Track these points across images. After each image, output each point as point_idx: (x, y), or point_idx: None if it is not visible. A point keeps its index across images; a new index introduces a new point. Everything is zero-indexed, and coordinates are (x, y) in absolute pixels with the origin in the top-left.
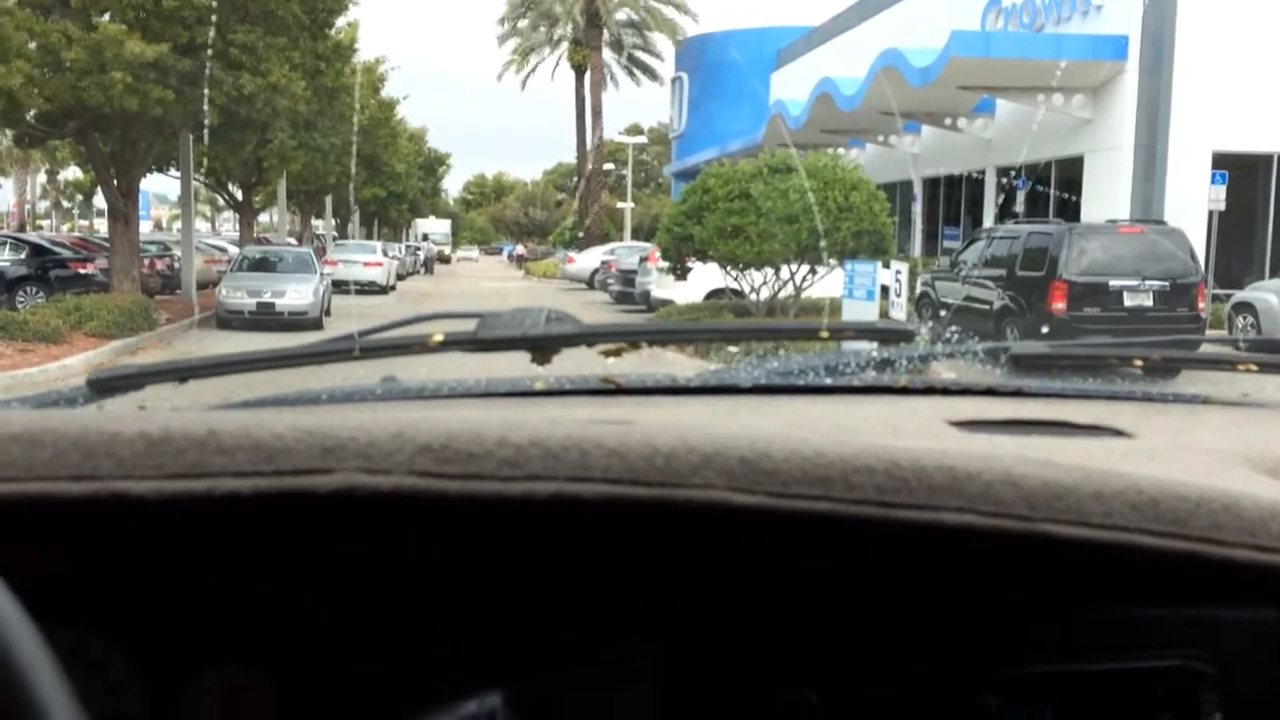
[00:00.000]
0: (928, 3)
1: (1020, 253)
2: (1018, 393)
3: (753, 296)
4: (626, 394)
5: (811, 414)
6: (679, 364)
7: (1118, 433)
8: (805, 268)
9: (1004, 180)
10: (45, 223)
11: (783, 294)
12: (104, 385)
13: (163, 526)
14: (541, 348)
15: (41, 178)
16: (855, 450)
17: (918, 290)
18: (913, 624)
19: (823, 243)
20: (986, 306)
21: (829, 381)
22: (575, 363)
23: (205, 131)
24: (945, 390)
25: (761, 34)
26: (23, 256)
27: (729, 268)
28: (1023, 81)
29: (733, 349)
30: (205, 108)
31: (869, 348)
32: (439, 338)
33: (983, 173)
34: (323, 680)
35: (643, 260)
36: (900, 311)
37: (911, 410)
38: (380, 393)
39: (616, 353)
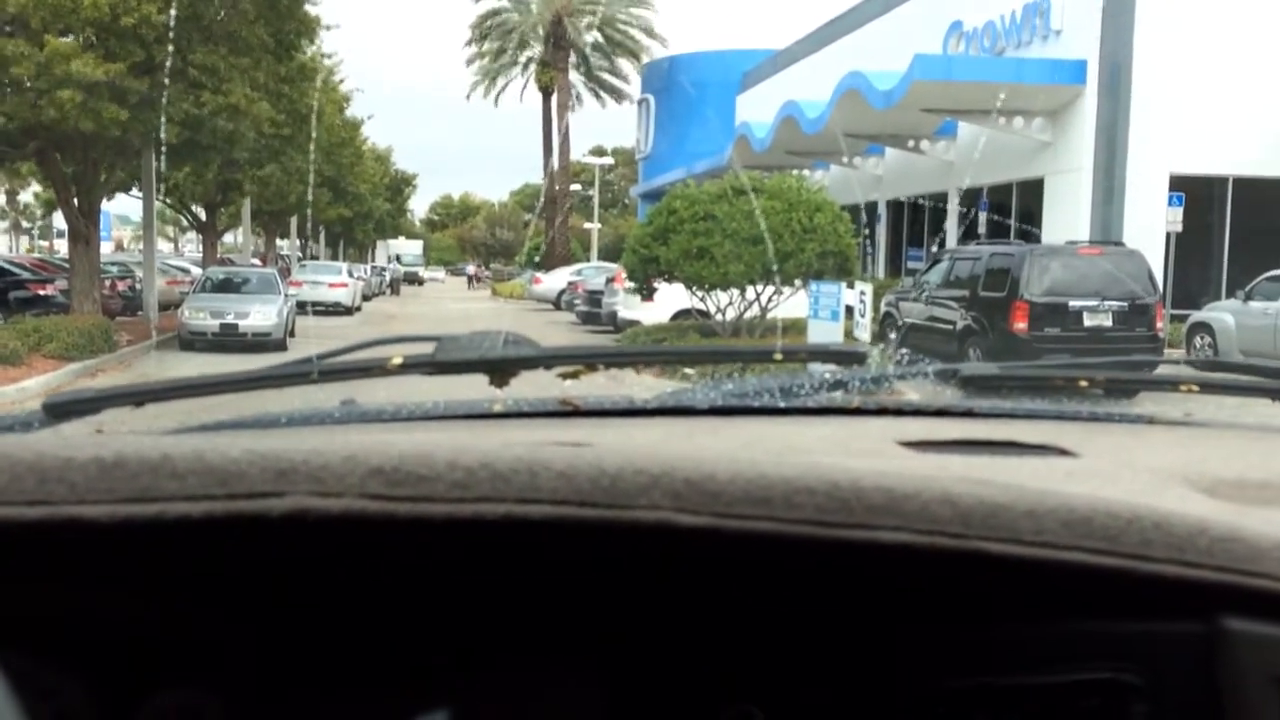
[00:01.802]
0: (890, 27)
1: (982, 273)
2: (968, 413)
3: (719, 317)
4: (584, 416)
5: (766, 435)
6: (639, 385)
7: (1063, 452)
8: (770, 289)
9: (964, 204)
10: (2, 241)
11: (748, 314)
12: (60, 409)
13: (115, 552)
14: (500, 370)
15: (0, 197)
16: (798, 472)
17: (882, 311)
18: (852, 639)
19: (788, 264)
20: (949, 326)
21: (783, 403)
22: (535, 385)
23: (165, 152)
24: (898, 411)
25: (727, 57)
26: None
27: (695, 289)
28: (984, 105)
29: (690, 371)
30: (163, 128)
31: (825, 369)
32: (398, 361)
33: (945, 195)
34: (274, 702)
35: (609, 281)
36: (865, 332)
37: (863, 431)
38: (339, 416)
39: (574, 375)
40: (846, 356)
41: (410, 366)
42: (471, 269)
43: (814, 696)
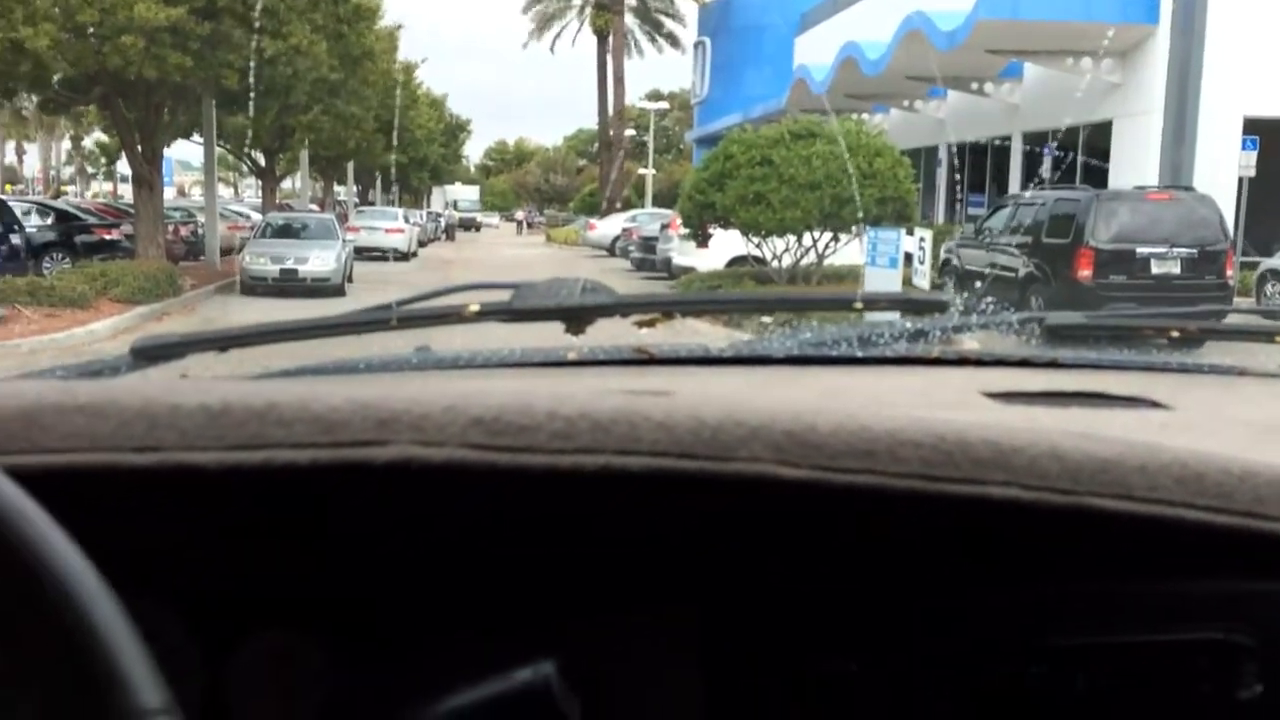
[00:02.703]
0: None
1: (1046, 220)
2: (1052, 364)
3: (774, 264)
4: (660, 364)
5: (845, 385)
6: (711, 334)
7: (1154, 404)
8: (828, 235)
9: (1031, 146)
10: (70, 188)
11: (804, 261)
12: (147, 354)
13: (220, 497)
14: (576, 318)
15: (66, 143)
16: (900, 424)
17: (941, 257)
18: (953, 596)
19: (846, 210)
20: (1011, 274)
21: (861, 353)
22: (609, 333)
23: (225, 97)
24: (978, 361)
25: None
26: (49, 222)
27: (751, 235)
28: (1051, 45)
29: (767, 320)
30: (226, 72)
31: (900, 319)
32: (475, 308)
33: (1009, 138)
34: (374, 650)
35: (664, 227)
36: (924, 279)
37: (945, 381)
38: (416, 363)
39: (650, 323)
40: (928, 306)
41: (487, 313)
42: (521, 214)
43: (913, 653)
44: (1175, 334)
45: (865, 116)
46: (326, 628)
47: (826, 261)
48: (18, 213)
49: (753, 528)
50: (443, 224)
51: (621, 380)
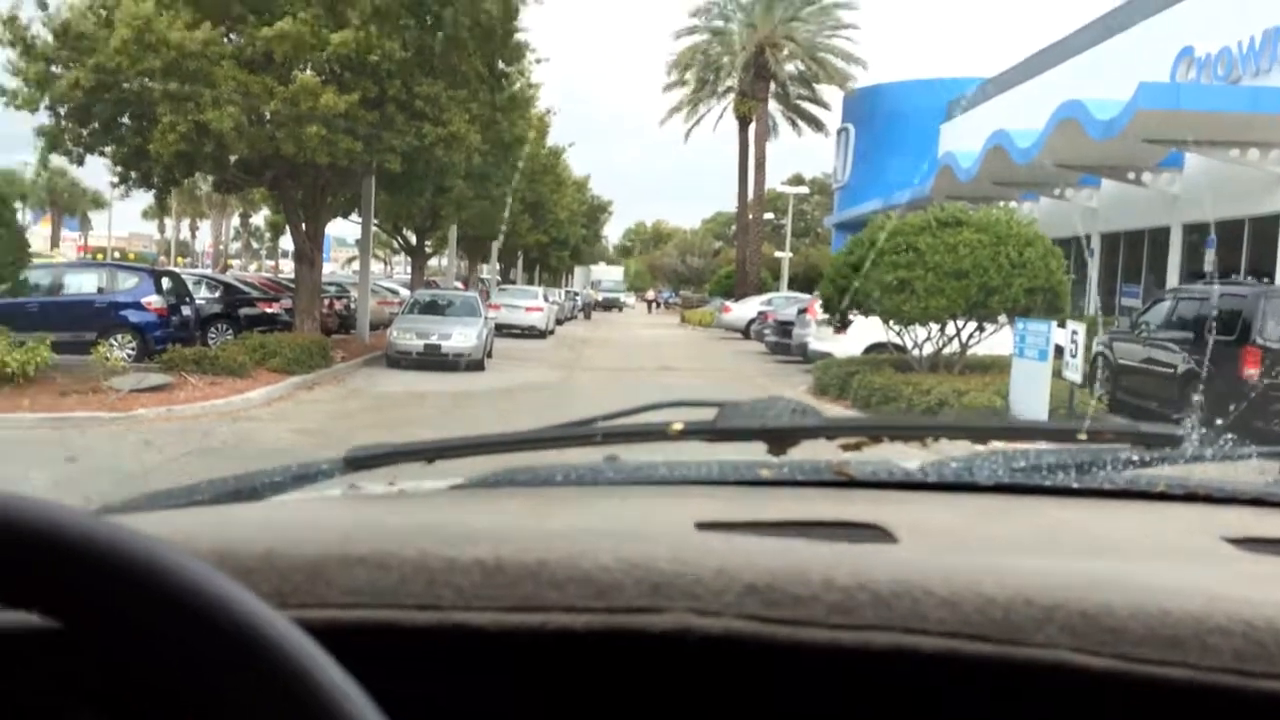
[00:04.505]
0: (1110, 54)
1: (1209, 315)
2: None
3: (915, 352)
4: (860, 487)
5: (1064, 521)
6: (909, 452)
7: None
8: (972, 324)
9: (1192, 238)
10: (236, 262)
11: (947, 350)
12: (359, 462)
13: (491, 655)
14: (780, 439)
15: (235, 220)
16: (1204, 608)
17: (1094, 351)
18: None
19: (993, 300)
20: (1170, 370)
21: (1077, 484)
22: (806, 448)
23: (384, 180)
24: (1208, 497)
25: (932, 85)
26: (216, 295)
27: (892, 322)
28: (1215, 135)
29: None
30: (389, 157)
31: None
32: (679, 427)
33: (1167, 229)
34: None
35: (801, 311)
36: (1075, 374)
37: (1176, 522)
38: (613, 476)
39: (856, 447)
40: (1161, 439)
41: (691, 432)
42: (651, 294)
43: None
44: None
45: (1013, 204)
46: None
47: (970, 351)
48: (189, 285)
49: (1031, 715)
50: (579, 303)
51: (821, 504)
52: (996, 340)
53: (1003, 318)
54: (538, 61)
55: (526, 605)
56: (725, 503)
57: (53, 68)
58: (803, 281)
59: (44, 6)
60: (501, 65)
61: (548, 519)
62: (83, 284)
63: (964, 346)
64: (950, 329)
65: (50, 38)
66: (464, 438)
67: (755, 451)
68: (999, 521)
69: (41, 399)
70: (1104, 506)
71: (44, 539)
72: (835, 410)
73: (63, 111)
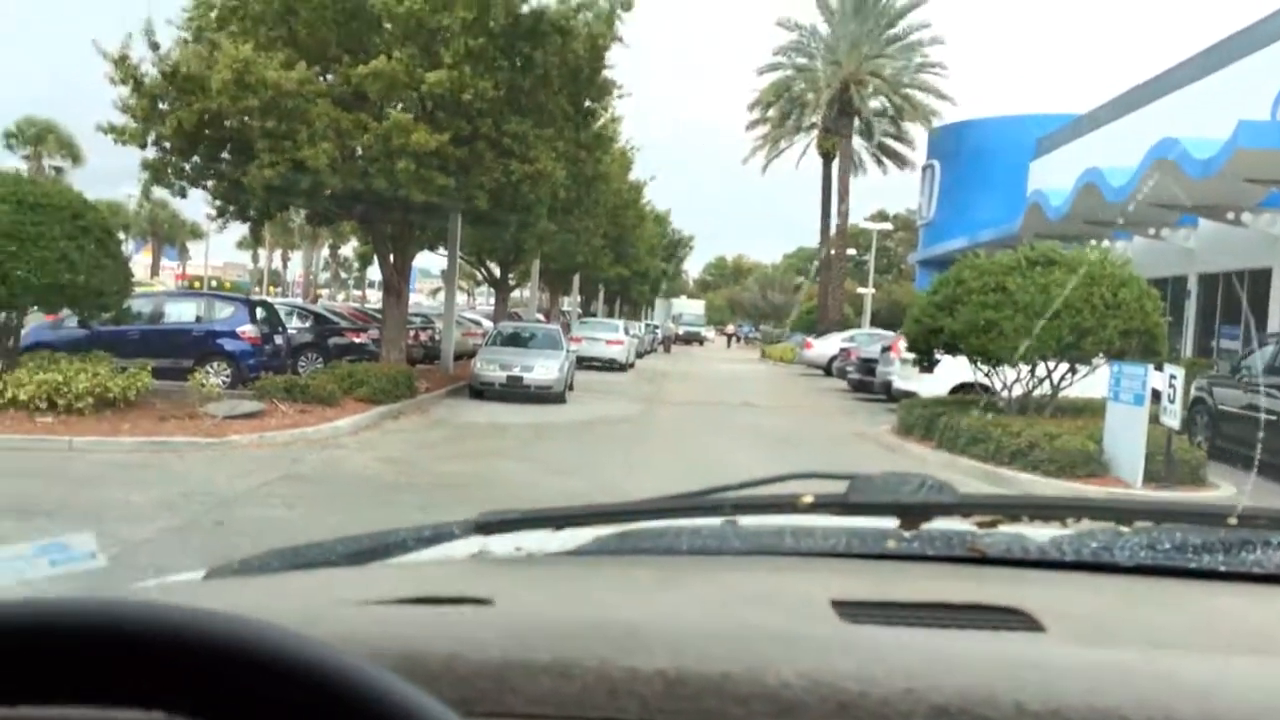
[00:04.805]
0: (1207, 92)
1: None
2: None
3: (1004, 393)
4: (993, 564)
5: (1218, 610)
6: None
7: None
8: (1064, 366)
9: None
10: (324, 291)
11: (1037, 392)
12: (489, 527)
13: None
14: (913, 515)
15: (325, 251)
16: None
17: (1192, 395)
18: None
19: (1086, 342)
20: (1275, 417)
21: (1225, 566)
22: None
23: (471, 216)
24: None
25: (1020, 121)
26: (307, 325)
27: (980, 362)
28: None
29: None
30: (478, 193)
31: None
32: (809, 499)
33: (1268, 271)
34: None
35: (885, 350)
36: (1174, 419)
37: None
38: (739, 546)
39: (992, 524)
40: None
41: (822, 506)
42: (730, 329)
43: None
44: None
45: (1106, 244)
46: None
47: (1062, 394)
48: (282, 315)
49: None
50: (659, 336)
51: (957, 583)
52: (1089, 383)
53: (1097, 360)
54: (620, 96)
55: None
56: (857, 578)
57: (160, 105)
58: (885, 318)
59: (155, 47)
60: (587, 103)
61: (684, 591)
62: (182, 313)
63: (1055, 389)
64: (1041, 370)
65: (159, 76)
66: (590, 507)
67: (883, 521)
68: (1147, 607)
69: (141, 423)
70: (1257, 592)
71: (245, 656)
72: (919, 450)
73: (168, 147)
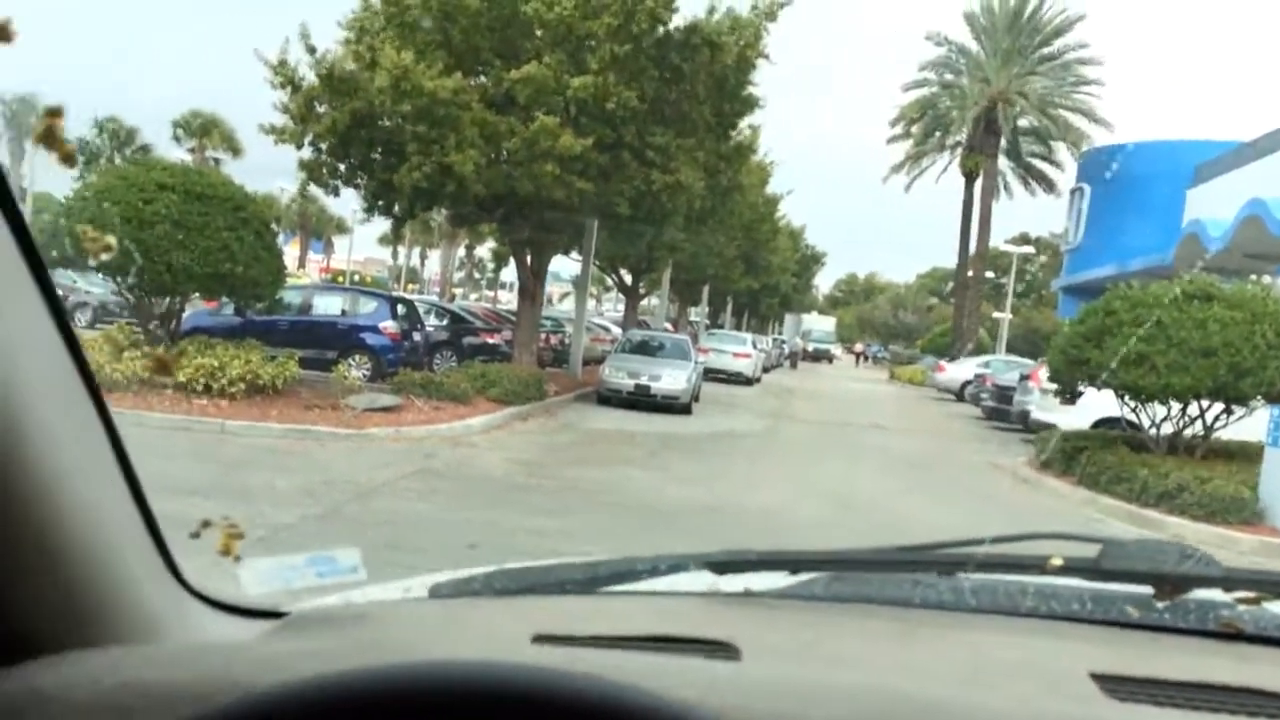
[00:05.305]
0: None
1: None
2: None
3: (1152, 431)
4: (1251, 642)
5: None
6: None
7: None
8: (1219, 406)
9: None
10: (458, 290)
11: (1188, 432)
12: (721, 566)
13: None
14: (1171, 586)
15: (461, 251)
16: None
17: None
18: None
19: (1245, 382)
20: None
21: None
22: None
23: (608, 223)
24: None
25: (1178, 147)
26: (444, 323)
27: (1128, 398)
28: None
29: None
30: (618, 200)
31: None
32: (1058, 562)
33: None
34: None
35: (1024, 378)
36: None
37: None
38: (975, 603)
39: (1256, 601)
40: None
41: (1071, 570)
42: (859, 347)
43: None
44: None
45: (1267, 279)
46: None
47: (1215, 435)
48: (420, 313)
49: None
50: (785, 351)
51: (1219, 661)
52: (1245, 425)
53: (1255, 401)
54: (760, 107)
55: None
56: (1110, 649)
57: (316, 106)
58: (1021, 345)
59: (311, 51)
60: (730, 115)
61: (924, 658)
62: (328, 306)
63: (1208, 429)
64: (1193, 409)
65: (315, 79)
66: (825, 552)
67: (1129, 587)
68: None
69: (288, 411)
70: None
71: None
72: (1057, 485)
73: (323, 148)
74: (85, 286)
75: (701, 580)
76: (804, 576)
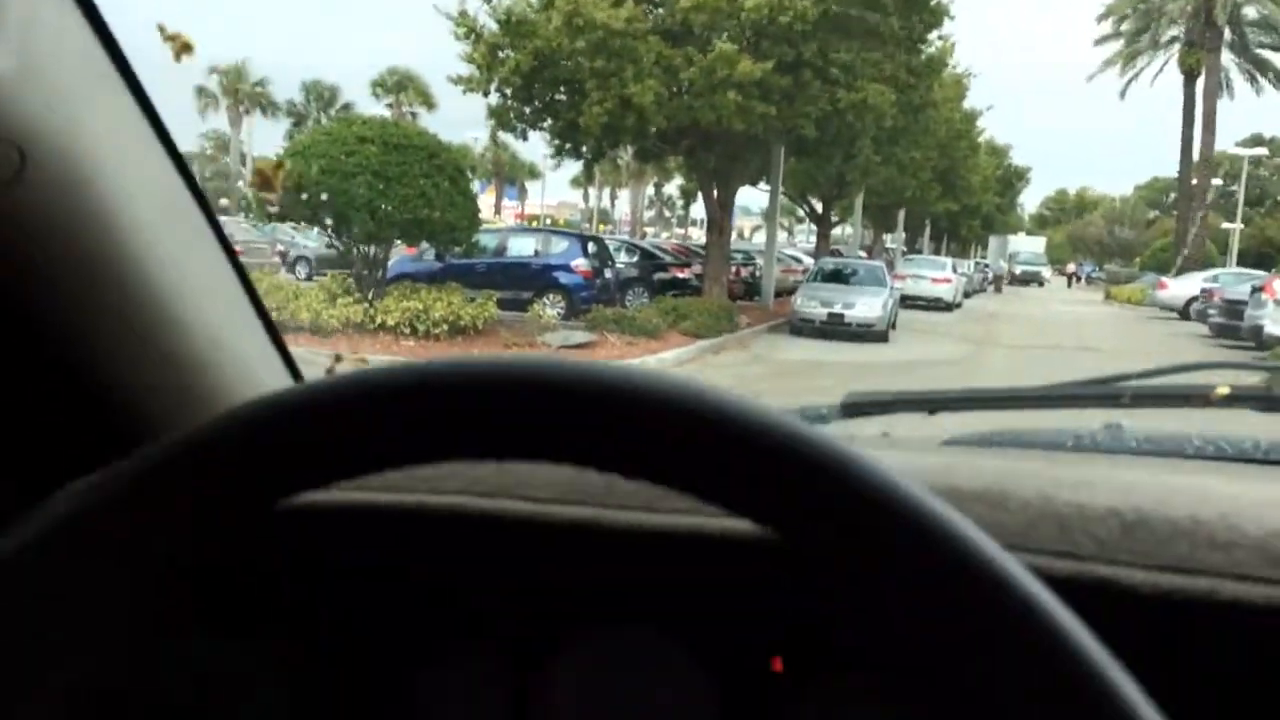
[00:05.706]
0: None
1: None
2: None
3: None
4: None
5: None
6: None
7: None
8: None
9: None
10: (650, 229)
11: None
12: (855, 409)
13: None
14: None
15: (649, 190)
16: None
17: None
18: None
19: None
20: None
21: None
22: None
23: (798, 148)
24: None
25: None
26: (634, 260)
27: None
28: None
29: None
30: (803, 122)
31: None
32: (1224, 390)
33: None
34: None
35: (1256, 290)
36: None
37: None
38: (1137, 446)
39: None
40: None
41: (1240, 399)
42: (1071, 268)
43: None
44: None
45: None
46: None
47: None
48: (611, 250)
49: None
50: (989, 275)
51: None
52: None
53: None
54: (950, 18)
55: (1183, 566)
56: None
57: (499, 53)
58: (1254, 257)
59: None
60: (919, 26)
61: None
62: (522, 247)
63: None
64: None
65: (495, 26)
66: (966, 390)
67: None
68: None
69: (489, 349)
70: None
71: (794, 457)
72: None
73: (508, 93)
74: (303, 241)
75: (834, 429)
76: (946, 419)
